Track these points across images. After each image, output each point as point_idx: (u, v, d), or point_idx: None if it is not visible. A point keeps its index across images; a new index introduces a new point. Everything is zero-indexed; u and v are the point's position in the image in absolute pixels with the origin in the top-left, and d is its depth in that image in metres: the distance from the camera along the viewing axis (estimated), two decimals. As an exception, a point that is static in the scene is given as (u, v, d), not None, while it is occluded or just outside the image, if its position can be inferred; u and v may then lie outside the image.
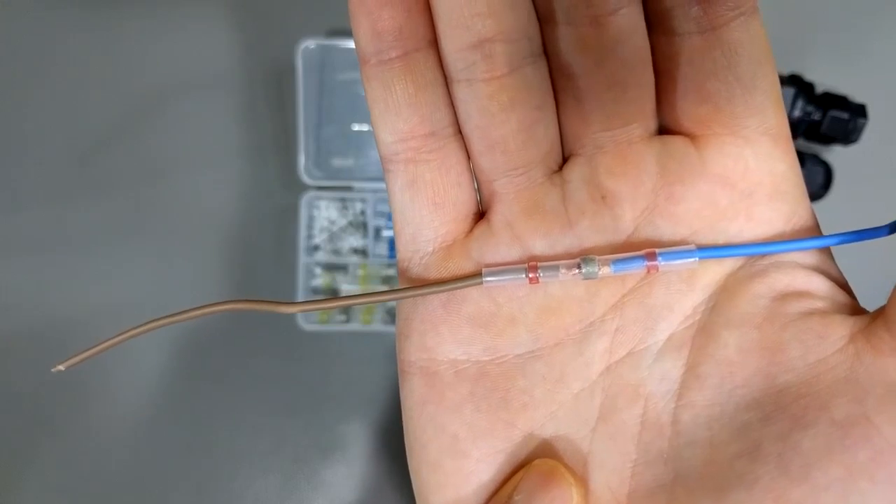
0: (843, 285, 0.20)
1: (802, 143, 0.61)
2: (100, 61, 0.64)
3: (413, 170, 0.20)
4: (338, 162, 0.63)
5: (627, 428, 0.20)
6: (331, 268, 0.63)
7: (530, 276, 0.20)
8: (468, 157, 0.21)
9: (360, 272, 0.63)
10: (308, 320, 0.61)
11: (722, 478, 0.18)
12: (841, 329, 0.18)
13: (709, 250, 0.19)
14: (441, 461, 0.20)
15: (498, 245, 0.20)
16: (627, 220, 0.20)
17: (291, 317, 0.61)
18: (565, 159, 0.21)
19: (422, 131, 0.20)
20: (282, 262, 0.63)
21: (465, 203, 0.21)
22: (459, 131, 0.21)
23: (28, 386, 0.63)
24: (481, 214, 0.21)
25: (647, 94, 0.20)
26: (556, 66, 0.20)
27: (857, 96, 0.58)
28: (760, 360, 0.18)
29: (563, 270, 0.19)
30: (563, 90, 0.20)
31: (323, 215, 0.63)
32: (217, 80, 0.64)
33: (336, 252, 0.63)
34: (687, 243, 0.19)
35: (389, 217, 0.63)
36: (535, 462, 0.20)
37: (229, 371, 0.64)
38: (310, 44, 0.59)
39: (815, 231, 0.20)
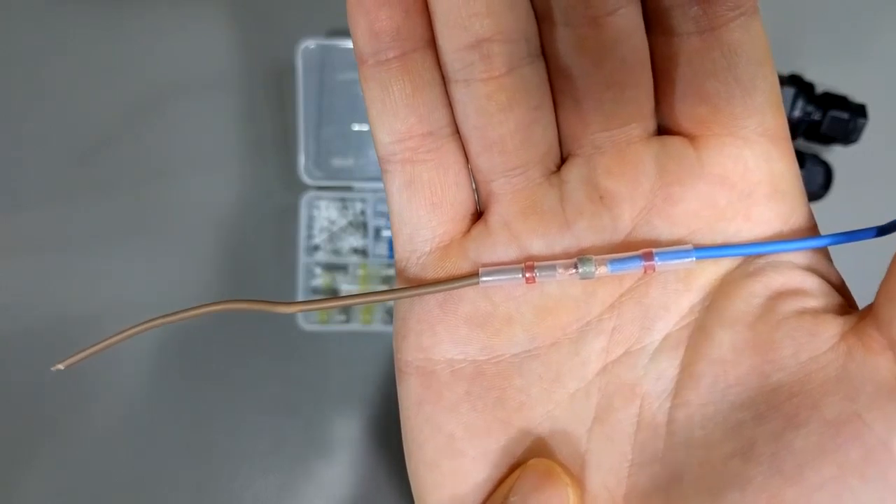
0: (839, 286, 0.20)
1: (802, 143, 0.61)
2: (100, 61, 0.64)
3: (411, 170, 0.20)
4: (338, 162, 0.63)
5: (623, 428, 0.20)
6: (331, 268, 0.63)
7: (527, 275, 0.20)
8: (466, 157, 0.21)
9: (360, 272, 0.63)
10: (308, 320, 0.61)
11: (716, 478, 0.18)
12: (832, 328, 0.18)
13: (705, 250, 0.19)
14: (438, 461, 0.20)
15: (495, 245, 0.20)
16: (625, 220, 0.20)
17: (291, 317, 0.61)
18: (563, 160, 0.21)
19: (419, 131, 0.20)
20: (282, 262, 0.63)
21: (462, 203, 0.21)
22: (457, 131, 0.21)
23: (28, 386, 0.63)
24: (479, 215, 0.21)
25: (646, 95, 0.20)
26: (555, 66, 0.20)
27: (857, 96, 0.58)
28: (753, 358, 0.19)
29: (559, 270, 0.19)
30: (561, 91, 0.20)
31: (323, 215, 0.63)
32: (217, 80, 0.64)
33: (336, 252, 0.63)
34: (684, 243, 0.19)
35: (389, 218, 0.62)
36: (531, 462, 0.20)
37: (229, 371, 0.64)
38: (310, 44, 0.59)
39: (813, 231, 0.20)
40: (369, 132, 0.63)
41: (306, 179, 0.61)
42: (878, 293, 0.18)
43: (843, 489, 0.17)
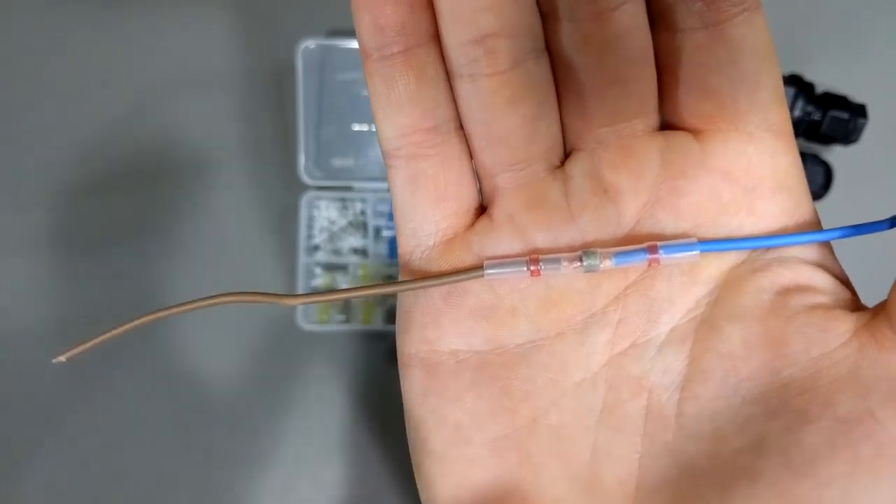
0: (845, 281, 0.20)
1: (802, 143, 0.61)
2: (100, 61, 0.64)
3: (415, 165, 0.20)
4: (338, 162, 0.64)
5: (632, 419, 0.20)
6: (331, 268, 0.63)
7: (532, 268, 0.20)
8: (470, 152, 0.21)
9: (361, 272, 0.63)
10: (308, 320, 0.61)
11: (726, 472, 0.18)
12: (844, 324, 0.18)
13: (710, 243, 0.19)
14: (444, 450, 0.20)
15: (499, 238, 0.20)
16: (629, 213, 0.20)
17: (291, 317, 0.61)
18: (567, 155, 0.21)
19: (423, 126, 0.20)
20: (282, 262, 0.63)
21: (466, 198, 0.21)
22: (461, 126, 0.21)
23: (28, 386, 0.63)
24: (482, 209, 0.21)
25: (650, 90, 0.20)
26: (559, 61, 0.20)
27: (857, 96, 0.58)
28: (764, 353, 0.19)
29: (564, 263, 0.20)
30: (565, 86, 0.20)
31: (323, 215, 0.63)
32: (217, 80, 0.64)
33: (336, 252, 0.63)
34: (689, 236, 0.19)
35: (389, 217, 0.63)
36: None
37: (229, 371, 0.64)
38: (310, 44, 0.59)
39: (816, 226, 0.20)
40: (369, 132, 0.63)
41: (306, 179, 0.61)
42: (892, 290, 0.18)
43: (854, 485, 0.17)
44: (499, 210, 0.21)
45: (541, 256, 0.20)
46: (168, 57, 0.64)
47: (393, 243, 0.63)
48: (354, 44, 0.60)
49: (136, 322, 0.21)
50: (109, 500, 0.63)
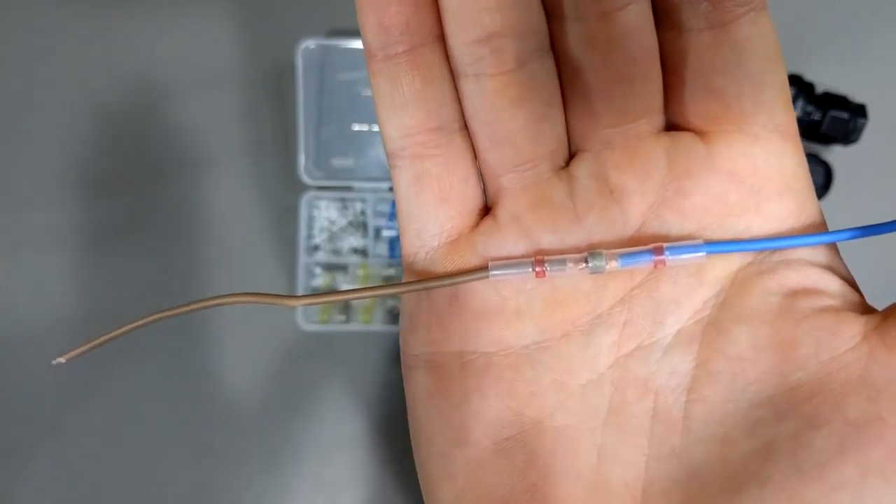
0: (852, 283, 0.20)
1: (802, 143, 0.61)
2: (100, 61, 0.64)
3: (419, 165, 0.20)
4: (338, 162, 0.63)
5: (639, 421, 0.20)
6: (331, 268, 0.63)
7: (537, 269, 0.20)
8: (474, 152, 0.21)
9: (361, 272, 0.63)
10: (308, 320, 0.61)
11: (735, 476, 0.18)
12: (854, 327, 0.18)
13: (716, 245, 0.19)
14: (449, 452, 0.20)
15: (504, 239, 0.20)
16: (635, 214, 0.20)
17: (291, 317, 0.61)
18: (572, 155, 0.21)
19: (428, 126, 0.20)
20: (282, 262, 0.63)
21: (471, 198, 0.21)
22: (466, 127, 0.21)
23: (28, 386, 0.63)
24: (487, 210, 0.21)
25: (656, 91, 0.20)
26: (564, 61, 0.20)
27: (857, 96, 0.58)
28: (773, 356, 0.18)
29: (570, 264, 0.19)
30: (570, 86, 0.20)
31: (323, 215, 0.63)
32: (217, 80, 0.64)
33: (336, 252, 0.63)
34: (695, 238, 0.19)
35: (389, 217, 0.63)
36: None
37: (229, 371, 0.64)
38: (310, 44, 0.59)
39: (823, 228, 0.20)
40: (369, 132, 0.63)
41: (306, 179, 0.61)
42: None
43: (864, 490, 0.17)
44: (503, 211, 0.20)
45: (546, 257, 0.20)
46: (168, 57, 0.64)
47: (393, 243, 0.63)
48: (354, 44, 0.60)
49: (136, 324, 0.21)
50: (109, 500, 0.63)
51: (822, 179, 0.60)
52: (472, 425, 0.20)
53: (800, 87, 0.58)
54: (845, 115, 0.57)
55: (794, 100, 0.57)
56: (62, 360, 0.21)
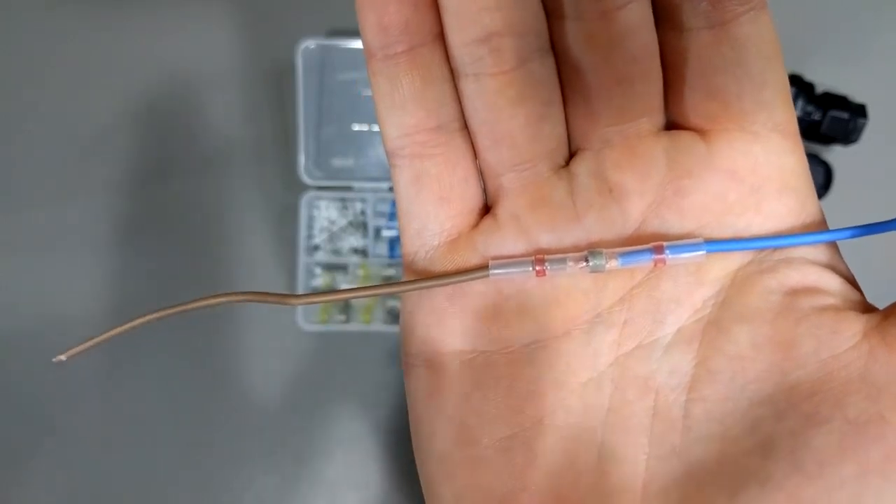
0: (853, 282, 0.20)
1: (802, 143, 0.61)
2: (100, 61, 0.64)
3: (419, 164, 0.20)
4: (338, 162, 0.64)
5: (639, 420, 0.20)
6: (331, 268, 0.63)
7: (537, 268, 0.20)
8: (474, 152, 0.21)
9: (361, 272, 0.63)
10: (308, 320, 0.61)
11: (734, 474, 0.18)
12: (854, 326, 0.18)
13: (716, 244, 0.19)
14: (450, 451, 0.20)
15: (504, 238, 0.20)
16: (635, 213, 0.20)
17: (291, 317, 0.61)
18: (572, 154, 0.21)
19: (428, 126, 0.20)
20: (282, 262, 0.63)
21: (471, 198, 0.21)
22: (466, 126, 0.21)
23: (28, 386, 0.63)
24: (487, 209, 0.21)
25: (656, 89, 0.20)
26: (564, 61, 0.20)
27: (857, 96, 0.58)
28: (773, 355, 0.18)
29: (570, 263, 0.19)
30: (570, 85, 0.20)
31: (323, 215, 0.63)
32: (217, 79, 0.64)
33: (336, 252, 0.63)
34: (695, 237, 0.19)
35: (389, 217, 0.63)
36: None
37: (229, 371, 0.64)
38: (310, 44, 0.59)
39: (823, 227, 0.20)
40: (369, 132, 0.63)
41: (306, 179, 0.61)
42: None
43: (864, 488, 0.17)
44: (503, 210, 0.20)
45: (546, 256, 0.20)
46: (168, 57, 0.64)
47: (393, 243, 0.63)
48: (354, 44, 0.60)
49: (136, 322, 0.21)
50: (109, 499, 0.63)
51: (822, 179, 0.60)
52: (473, 424, 0.20)
53: (800, 87, 0.58)
54: (845, 115, 0.57)
55: (794, 100, 0.57)
56: (63, 357, 0.21)
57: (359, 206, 0.63)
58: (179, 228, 0.64)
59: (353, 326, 0.62)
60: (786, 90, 0.19)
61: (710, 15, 0.19)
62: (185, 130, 0.64)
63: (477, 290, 0.20)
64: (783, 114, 0.19)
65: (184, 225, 0.64)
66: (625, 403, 0.20)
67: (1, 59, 0.64)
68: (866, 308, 0.19)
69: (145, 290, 0.63)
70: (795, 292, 0.19)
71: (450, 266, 0.21)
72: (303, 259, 0.62)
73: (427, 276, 0.21)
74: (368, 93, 0.61)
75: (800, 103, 0.58)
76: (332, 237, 0.63)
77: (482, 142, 0.20)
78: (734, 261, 0.20)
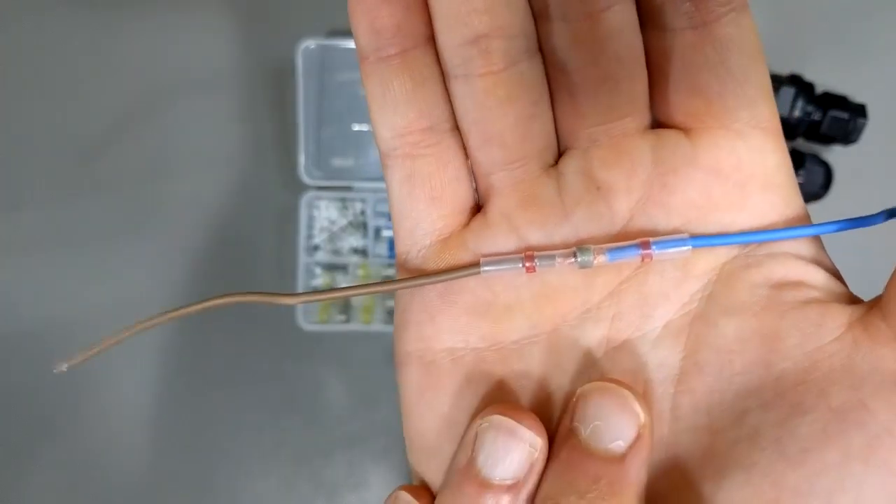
0: (837, 275, 0.20)
1: (802, 143, 0.61)
2: (100, 61, 0.64)
3: (411, 164, 0.21)
4: (338, 162, 0.64)
5: None
6: (331, 268, 0.64)
7: (527, 265, 0.20)
8: (465, 151, 0.21)
9: (360, 272, 0.63)
10: (308, 320, 0.62)
11: (721, 463, 0.18)
12: (838, 318, 0.19)
13: (702, 239, 0.20)
14: (440, 446, 0.21)
15: (495, 236, 0.21)
16: (622, 210, 0.20)
17: (291, 317, 0.61)
18: (561, 153, 0.21)
19: (419, 126, 0.20)
20: (282, 262, 0.64)
21: (462, 197, 0.21)
22: (457, 127, 0.21)
23: (28, 386, 0.63)
24: (478, 208, 0.22)
25: (641, 89, 0.20)
26: (551, 61, 0.20)
27: (857, 96, 0.58)
28: (759, 347, 0.19)
29: (559, 259, 0.20)
30: (558, 85, 0.20)
31: (323, 215, 0.63)
32: (217, 79, 0.64)
33: (336, 252, 0.63)
34: (681, 232, 0.20)
35: (389, 217, 0.63)
36: (588, 386, 0.19)
37: (229, 371, 0.64)
38: (310, 44, 0.59)
39: (807, 221, 0.20)
40: (369, 132, 0.63)
41: (306, 179, 0.61)
42: (888, 285, 0.18)
43: (846, 474, 0.17)
44: (494, 208, 0.21)
45: (535, 253, 0.20)
46: (168, 57, 0.64)
47: (393, 243, 0.63)
48: (354, 44, 0.60)
49: (135, 329, 0.21)
50: (109, 499, 0.63)
51: (822, 179, 0.60)
52: (464, 420, 0.20)
53: (800, 87, 0.58)
54: (845, 115, 0.57)
55: (794, 100, 0.57)
56: (64, 368, 0.21)
57: (359, 206, 0.63)
58: (179, 228, 0.64)
59: (353, 326, 0.62)
60: (768, 88, 0.20)
61: (692, 16, 0.19)
62: (185, 130, 0.64)
63: (468, 288, 0.21)
64: (766, 111, 0.20)
65: (184, 225, 0.64)
66: None
67: (1, 59, 0.64)
68: (851, 300, 0.19)
69: (145, 289, 0.63)
70: (781, 286, 0.19)
71: (442, 264, 0.21)
72: (303, 259, 0.62)
73: (419, 274, 0.21)
74: (368, 93, 0.61)
75: (800, 103, 0.58)
76: (332, 237, 0.63)
77: (473, 141, 0.21)
78: (720, 256, 0.20)
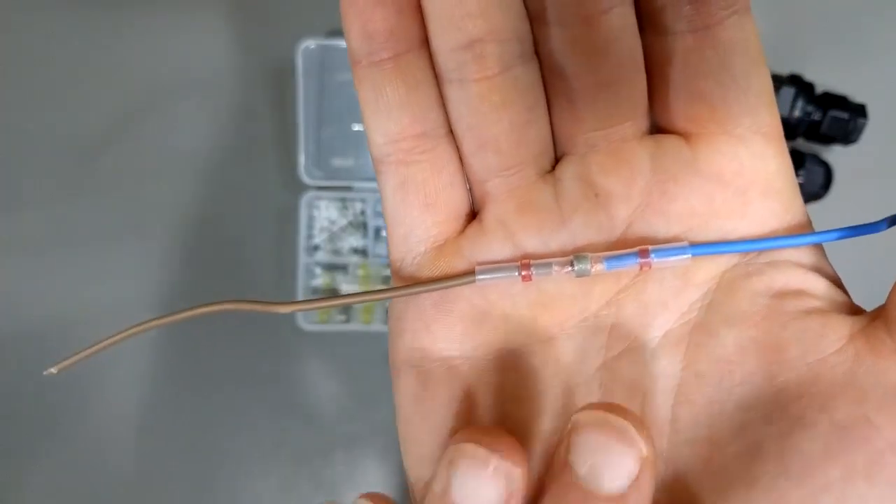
0: (839, 284, 0.20)
1: (802, 143, 0.61)
2: (100, 61, 0.64)
3: (404, 171, 0.20)
4: (338, 162, 0.64)
5: None
6: (331, 268, 0.63)
7: (523, 273, 0.20)
8: (460, 157, 0.21)
9: (360, 272, 0.63)
10: (308, 320, 0.61)
11: (722, 477, 0.18)
12: (840, 329, 0.18)
13: (702, 247, 0.19)
14: (436, 454, 0.20)
15: (490, 243, 0.20)
16: (621, 217, 0.20)
17: (291, 317, 0.61)
18: (558, 159, 0.21)
19: (413, 132, 0.20)
20: (282, 262, 0.63)
21: (457, 203, 0.21)
22: (451, 132, 0.21)
23: (28, 386, 0.63)
24: (473, 215, 0.21)
25: (640, 94, 0.20)
26: (548, 66, 0.20)
27: (857, 96, 0.58)
28: (760, 358, 0.19)
29: (555, 268, 0.19)
30: (555, 90, 0.20)
31: (323, 215, 0.63)
32: (217, 79, 0.64)
33: (336, 252, 0.63)
34: (680, 240, 0.19)
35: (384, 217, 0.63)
36: (583, 415, 0.17)
37: (229, 371, 0.64)
38: (310, 44, 0.59)
39: (808, 229, 0.20)
40: (369, 132, 0.63)
41: (306, 179, 0.61)
42: (890, 296, 0.18)
43: (849, 491, 0.17)
44: (489, 215, 0.20)
45: (532, 261, 0.20)
46: (167, 57, 0.64)
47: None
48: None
49: (130, 332, 0.21)
50: (109, 500, 0.63)
51: (822, 179, 0.59)
52: (460, 429, 0.20)
53: (800, 87, 0.58)
54: (845, 115, 0.57)
55: (794, 100, 0.57)
56: (54, 370, 0.21)
57: (359, 206, 0.63)
58: (179, 228, 0.64)
59: (353, 326, 0.62)
60: (770, 93, 0.19)
61: (693, 19, 0.19)
62: (185, 130, 0.64)
63: (464, 296, 0.20)
64: (767, 117, 0.19)
65: (184, 224, 0.64)
66: None
67: (1, 59, 0.64)
68: (852, 310, 0.19)
69: (145, 290, 0.63)
70: (782, 295, 0.19)
71: (436, 272, 0.21)
72: (303, 259, 0.62)
73: (414, 282, 0.21)
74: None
75: (800, 103, 0.57)
76: (332, 237, 0.63)
77: (467, 147, 0.20)
78: (720, 264, 0.20)
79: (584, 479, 0.16)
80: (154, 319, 0.21)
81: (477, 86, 0.19)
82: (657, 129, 0.21)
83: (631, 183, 0.20)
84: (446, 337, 0.20)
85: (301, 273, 0.62)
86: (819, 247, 0.20)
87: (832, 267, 0.20)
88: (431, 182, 0.20)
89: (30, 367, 0.61)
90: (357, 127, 0.63)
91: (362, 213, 0.63)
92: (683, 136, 0.20)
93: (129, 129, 0.64)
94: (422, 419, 0.21)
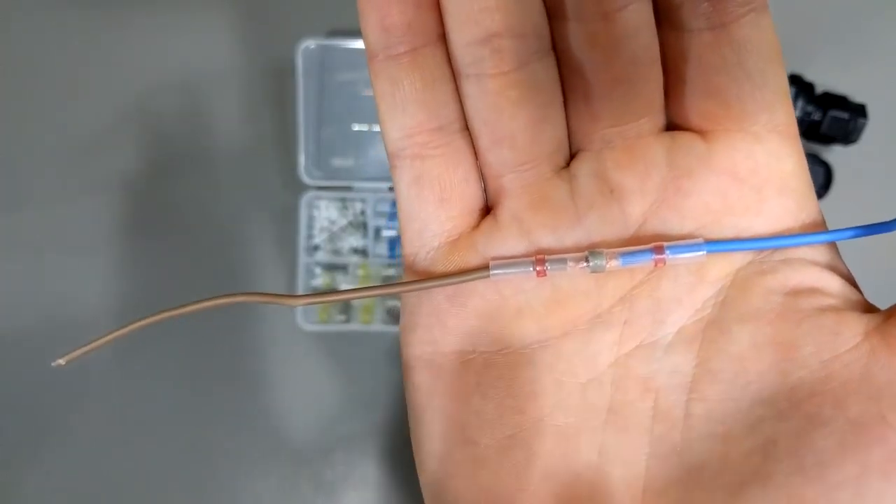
0: (853, 282, 0.20)
1: (802, 143, 0.61)
2: (100, 61, 0.64)
3: (420, 165, 0.20)
4: (338, 162, 0.64)
5: (639, 420, 0.20)
6: (331, 268, 0.63)
7: (538, 269, 0.19)
8: (475, 152, 0.21)
9: (360, 272, 0.63)
10: (308, 320, 0.61)
11: (736, 474, 0.18)
12: (855, 326, 0.18)
13: (717, 244, 0.19)
14: (450, 451, 0.20)
15: (505, 239, 0.20)
16: (636, 213, 0.20)
17: (291, 317, 0.61)
18: (573, 155, 0.21)
19: (429, 127, 0.20)
20: (282, 262, 0.63)
21: (471, 198, 0.21)
22: (466, 127, 0.21)
23: (28, 386, 0.63)
24: (487, 210, 0.21)
25: (656, 90, 0.20)
26: (565, 62, 0.20)
27: (857, 96, 0.58)
28: (774, 355, 0.19)
29: (570, 263, 0.19)
30: (571, 86, 0.20)
31: (323, 215, 0.63)
32: (217, 79, 0.64)
33: (336, 252, 0.63)
34: (695, 237, 0.19)
35: (389, 217, 0.63)
36: None
37: (229, 371, 0.64)
38: (310, 44, 0.59)
39: (822, 227, 0.20)
40: (369, 132, 0.63)
41: (306, 179, 0.61)
42: None
43: (865, 489, 0.17)
44: (504, 210, 0.20)
45: (547, 257, 0.20)
46: (168, 57, 0.64)
47: (393, 243, 0.63)
48: (354, 44, 0.60)
49: (134, 325, 0.21)
50: (109, 500, 0.63)
51: (822, 179, 0.60)
52: (472, 424, 0.20)
53: (800, 87, 0.58)
54: (845, 115, 0.57)
55: (794, 100, 0.57)
56: (62, 362, 0.21)
57: (359, 206, 0.63)
58: (179, 228, 0.64)
59: (353, 326, 0.62)
60: (786, 92, 0.19)
61: (710, 16, 0.19)
62: (185, 130, 0.64)
63: (477, 291, 0.20)
64: (783, 115, 0.19)
65: (184, 225, 0.64)
66: (625, 404, 0.20)
67: (1, 59, 0.64)
68: (867, 308, 0.19)
69: (145, 289, 0.63)
70: (796, 293, 0.19)
71: (450, 266, 0.21)
72: (303, 259, 0.62)
73: (427, 277, 0.21)
74: (368, 93, 0.61)
75: (800, 103, 0.58)
76: (332, 237, 0.63)
77: (483, 142, 0.20)
78: (735, 261, 0.20)
79: None
80: (162, 312, 0.20)
81: (493, 81, 0.19)
82: (673, 125, 0.21)
83: (646, 179, 0.20)
84: (460, 332, 0.20)
85: (301, 273, 0.62)
86: (833, 245, 0.20)
87: (846, 265, 0.20)
88: (446, 177, 0.20)
89: (30, 367, 0.61)
90: (357, 127, 0.63)
91: (362, 213, 0.63)
92: (699, 132, 0.20)
93: (129, 128, 0.64)
94: (435, 413, 0.21)
